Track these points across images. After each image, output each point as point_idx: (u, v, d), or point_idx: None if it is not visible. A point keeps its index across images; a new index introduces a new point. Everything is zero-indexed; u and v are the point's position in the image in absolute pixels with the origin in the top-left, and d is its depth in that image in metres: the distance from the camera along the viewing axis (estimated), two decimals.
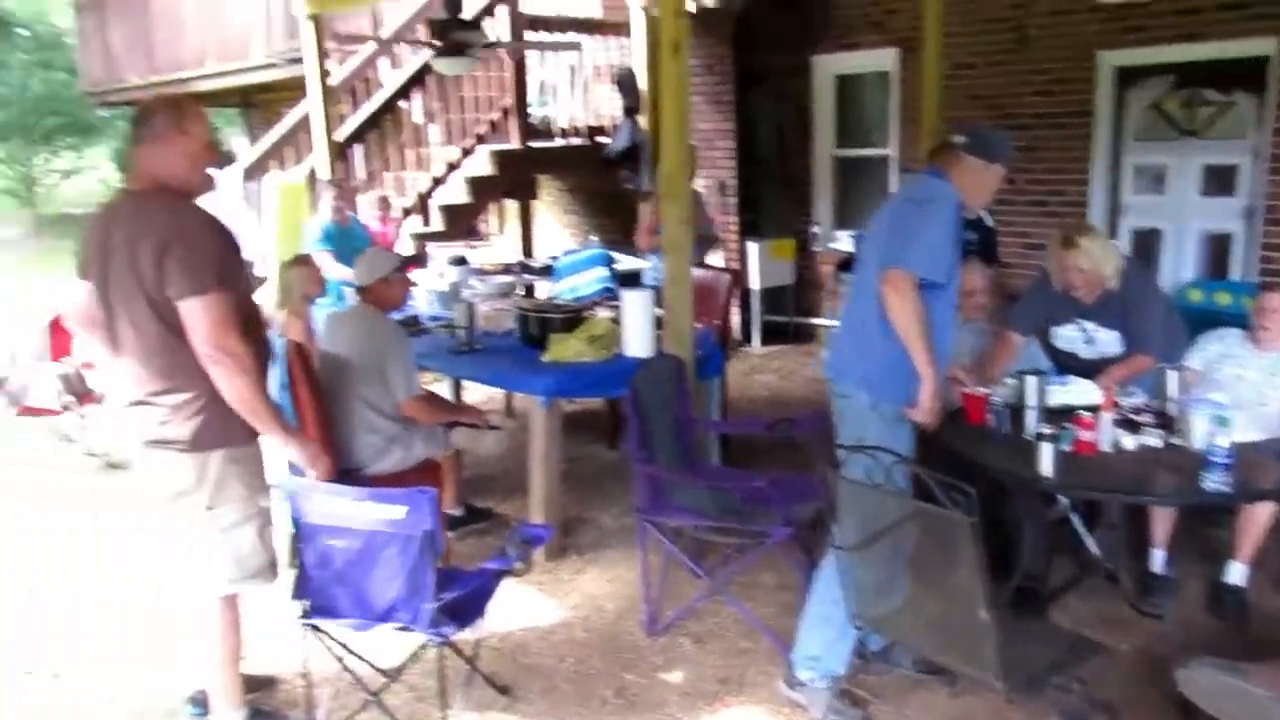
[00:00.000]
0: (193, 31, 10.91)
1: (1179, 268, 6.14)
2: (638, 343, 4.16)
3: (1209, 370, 3.82)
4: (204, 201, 2.84)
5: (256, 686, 3.14)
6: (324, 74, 6.56)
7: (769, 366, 7.28)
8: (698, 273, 5.04)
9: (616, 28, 8.28)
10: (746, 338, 7.85)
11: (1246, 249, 5.92)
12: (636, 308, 4.17)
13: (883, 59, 7.31)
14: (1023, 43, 6.46)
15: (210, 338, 2.56)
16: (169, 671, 3.31)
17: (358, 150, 7.49)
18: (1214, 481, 2.76)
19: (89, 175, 18.73)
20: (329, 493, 2.74)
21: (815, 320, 7.96)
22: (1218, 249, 6.12)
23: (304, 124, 7.55)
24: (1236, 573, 3.48)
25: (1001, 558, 3.62)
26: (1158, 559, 3.56)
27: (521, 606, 3.71)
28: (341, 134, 7.04)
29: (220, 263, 2.61)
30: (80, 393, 5.65)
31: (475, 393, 6.10)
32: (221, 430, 2.69)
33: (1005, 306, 4.28)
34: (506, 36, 7.39)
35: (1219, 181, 6.06)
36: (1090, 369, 3.67)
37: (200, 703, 3.04)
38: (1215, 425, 2.85)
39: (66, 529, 4.68)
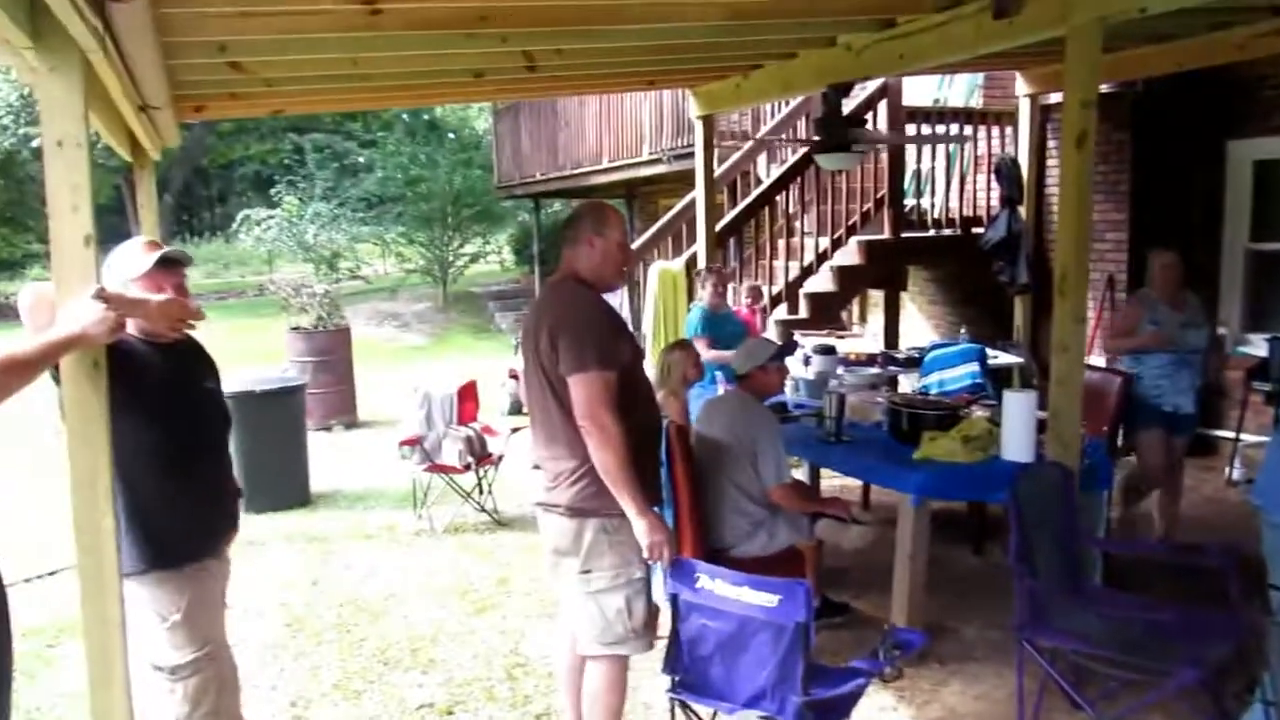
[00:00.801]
0: (591, 132, 12.13)
1: None
2: (1018, 446, 3.94)
3: None
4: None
5: None
6: (710, 169, 6.97)
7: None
8: (1085, 375, 4.69)
9: (999, 117, 8.07)
10: (1131, 447, 7.12)
11: None
12: (1019, 409, 3.96)
13: None
14: None
15: (586, 410, 2.81)
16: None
17: (732, 240, 7.86)
18: None
19: (491, 259, 21.24)
20: (706, 572, 2.85)
21: (1218, 432, 7.07)
22: None
23: (683, 215, 8.09)
24: None
25: None
26: None
27: (879, 711, 3.59)
28: (720, 224, 7.41)
29: (603, 345, 2.85)
30: (480, 455, 6.33)
31: (830, 482, 6.07)
32: (598, 500, 2.89)
33: None
34: (885, 128, 7.45)
35: None
36: None
37: None
38: None
39: (460, 573, 5.25)
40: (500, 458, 6.34)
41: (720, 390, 5.55)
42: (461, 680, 3.99)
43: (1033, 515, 3.43)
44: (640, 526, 2.86)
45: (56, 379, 2.30)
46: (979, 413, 4.51)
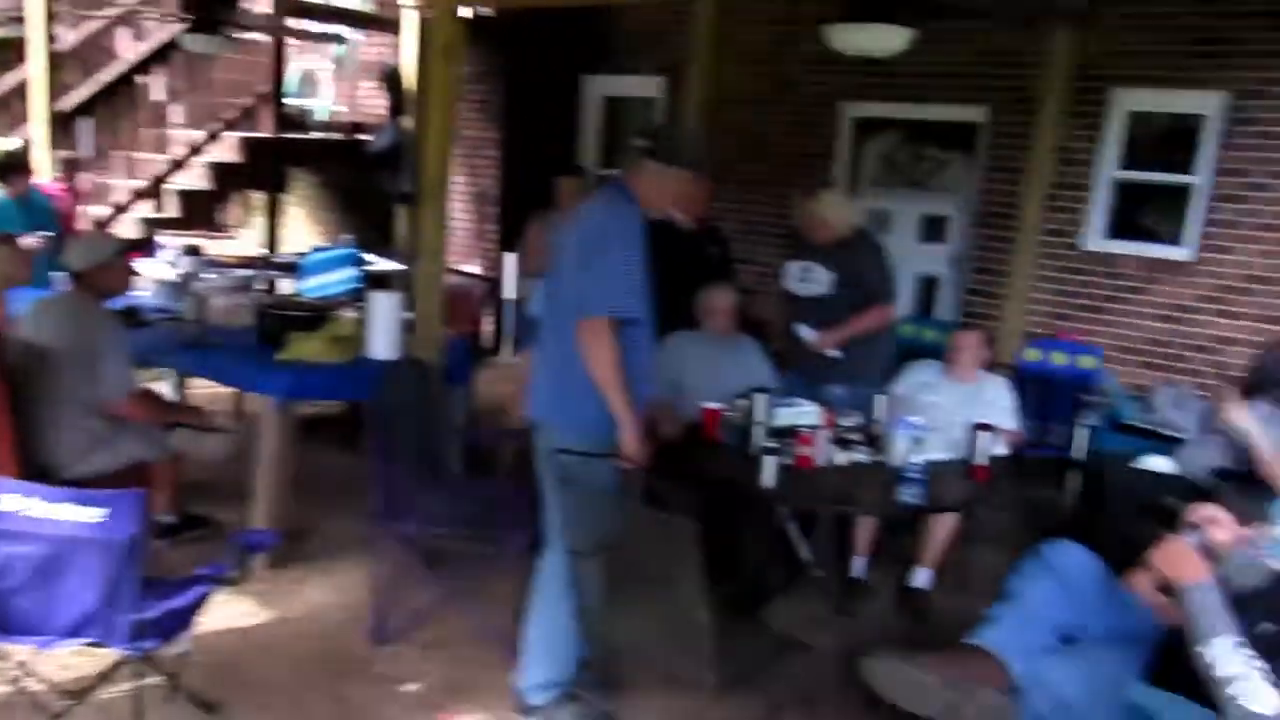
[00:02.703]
0: None
1: (897, 305, 6.71)
2: (383, 346, 4.06)
3: (911, 396, 4.22)
4: None
5: None
6: (50, 38, 5.95)
7: (518, 376, 7.26)
8: (449, 280, 4.99)
9: (386, 24, 8.07)
10: (497, 347, 7.81)
11: (952, 292, 6.60)
12: (383, 310, 4.07)
13: (651, 85, 7.56)
14: (780, 86, 6.87)
15: None
16: None
17: (85, 124, 6.85)
18: (908, 494, 3.04)
19: None
20: (15, 491, 2.48)
21: None
22: (928, 290, 6.77)
23: (17, 90, 6.85)
24: (922, 577, 3.86)
25: (725, 564, 3.84)
26: (858, 565, 3.87)
27: (237, 618, 3.50)
28: (67, 104, 6.40)
29: None
30: None
31: (205, 393, 5.72)
32: None
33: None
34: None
35: (933, 229, 6.71)
36: (807, 308, 4.13)
37: None
38: (912, 444, 3.14)
39: None
40: None
41: None
42: None
43: (394, 409, 3.58)
44: None
45: None
46: (350, 314, 4.55)
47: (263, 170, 7.38)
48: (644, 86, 7.62)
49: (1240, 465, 3.60)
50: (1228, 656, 2.00)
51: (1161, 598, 2.65)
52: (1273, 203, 5.42)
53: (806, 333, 4.13)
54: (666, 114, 7.39)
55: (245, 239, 8.90)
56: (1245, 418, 3.57)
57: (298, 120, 7.61)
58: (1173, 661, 2.20)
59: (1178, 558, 2.22)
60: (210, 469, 4.84)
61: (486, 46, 7.76)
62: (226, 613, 3.43)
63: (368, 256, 6.51)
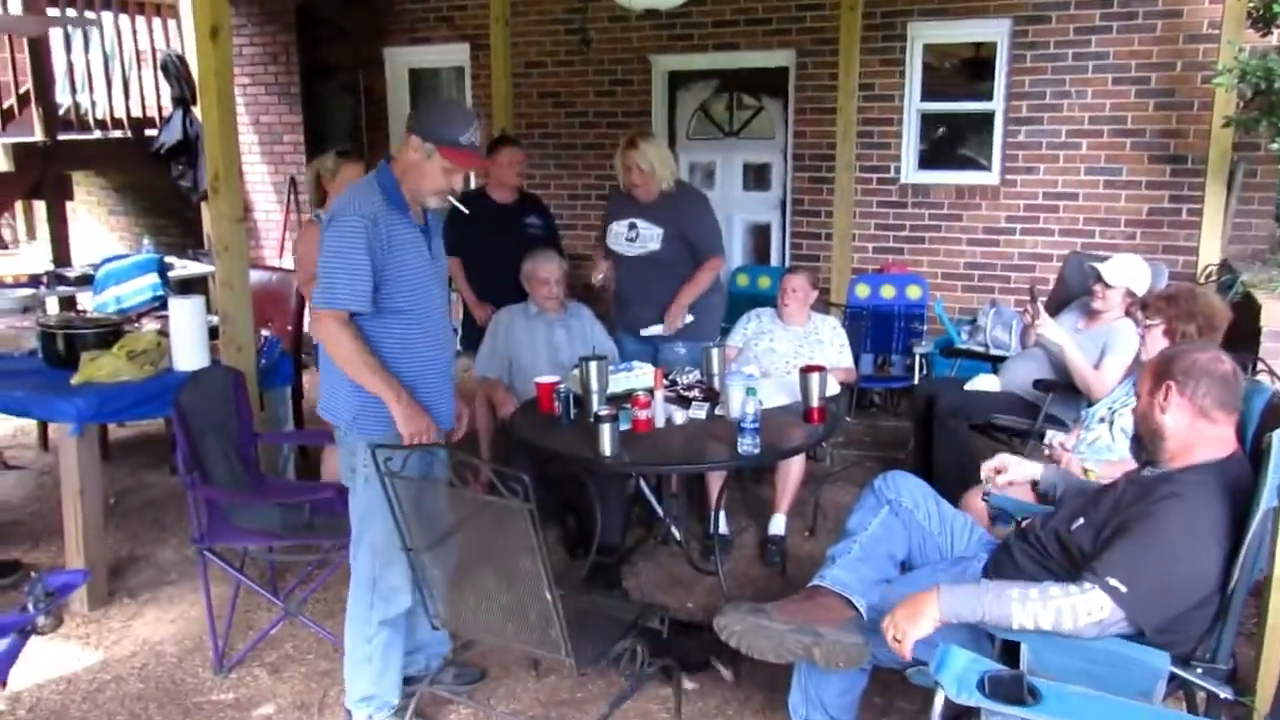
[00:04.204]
0: None
1: (730, 256, 6.77)
2: (189, 355, 3.76)
3: (748, 346, 4.25)
4: None
5: None
6: None
7: None
8: (260, 275, 4.69)
9: (159, 8, 7.50)
10: None
11: (781, 237, 6.69)
12: (184, 316, 3.77)
13: (455, 54, 7.31)
14: (585, 45, 6.75)
15: None
16: None
17: None
18: (746, 445, 3.03)
19: None
20: None
21: None
22: (760, 237, 6.85)
23: None
24: (778, 524, 3.88)
25: (583, 536, 3.77)
26: (714, 520, 3.85)
27: (58, 665, 3.20)
28: None
29: None
30: None
31: (6, 426, 5.25)
32: None
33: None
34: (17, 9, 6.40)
35: (757, 177, 6.78)
36: (639, 269, 4.05)
37: None
38: (746, 395, 3.12)
39: None
40: None
41: None
42: None
43: (203, 421, 3.32)
44: None
45: None
46: (150, 325, 4.21)
47: (40, 177, 6.72)
48: (449, 56, 7.36)
49: (1060, 376, 3.77)
50: (1029, 609, 1.96)
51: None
52: (1063, 122, 5.70)
53: (651, 330, 4.07)
54: (476, 81, 7.17)
55: (32, 255, 8.17)
56: (1056, 331, 3.74)
57: (71, 120, 6.94)
58: (1003, 572, 2.27)
59: (906, 621, 2.05)
60: (15, 509, 4.46)
61: (276, 26, 7.32)
62: (45, 662, 3.15)
63: (175, 260, 6.07)
